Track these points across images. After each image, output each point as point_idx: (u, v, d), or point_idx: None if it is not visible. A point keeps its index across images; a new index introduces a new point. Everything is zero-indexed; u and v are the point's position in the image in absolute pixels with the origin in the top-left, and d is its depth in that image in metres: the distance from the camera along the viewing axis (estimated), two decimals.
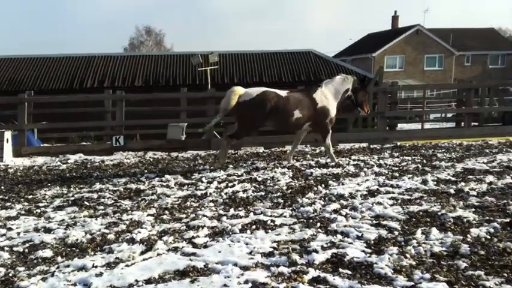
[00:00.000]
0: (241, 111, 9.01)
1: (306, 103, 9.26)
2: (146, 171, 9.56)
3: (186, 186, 7.96)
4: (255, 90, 9.16)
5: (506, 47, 55.26)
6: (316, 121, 9.41)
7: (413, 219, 5.51)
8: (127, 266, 4.51)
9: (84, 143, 14.45)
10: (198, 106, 15.18)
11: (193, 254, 4.73)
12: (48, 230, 5.83)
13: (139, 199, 7.25)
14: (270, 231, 5.38)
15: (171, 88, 23.08)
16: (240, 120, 9.21)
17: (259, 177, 8.35)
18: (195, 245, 5.00)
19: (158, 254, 4.77)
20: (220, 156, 9.67)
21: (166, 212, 6.44)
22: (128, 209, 6.69)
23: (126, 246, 5.04)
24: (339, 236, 5.06)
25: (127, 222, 5.98)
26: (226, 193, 7.26)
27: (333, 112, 9.52)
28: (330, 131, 9.64)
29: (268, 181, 8.02)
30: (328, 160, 9.64)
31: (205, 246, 4.97)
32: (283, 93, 9.30)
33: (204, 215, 6.11)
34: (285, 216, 5.92)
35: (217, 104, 13.61)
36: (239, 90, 9.08)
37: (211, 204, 6.72)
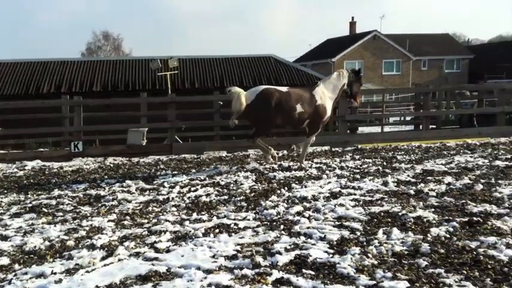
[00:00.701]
0: (251, 113, 9.21)
1: (306, 99, 9.42)
2: (106, 177, 9.38)
3: (148, 191, 7.86)
4: (255, 90, 9.40)
5: (461, 51, 56.91)
6: (313, 118, 9.58)
7: (375, 220, 5.59)
8: (87, 272, 4.41)
9: (42, 149, 14.08)
10: (158, 111, 15.00)
11: (156, 258, 4.68)
12: (4, 238, 5.64)
13: (100, 205, 7.10)
14: (233, 234, 5.36)
15: (130, 93, 22.85)
16: (253, 121, 9.45)
17: (222, 181, 8.31)
18: (157, 250, 4.94)
19: (119, 260, 4.70)
20: (264, 152, 9.81)
21: (128, 217, 6.33)
22: (88, 215, 6.55)
23: (86, 253, 4.94)
24: (302, 238, 5.08)
25: (87, 229, 5.85)
26: (189, 197, 7.20)
27: (328, 111, 9.74)
28: (318, 131, 9.91)
29: (232, 185, 7.99)
30: (299, 153, 9.95)
31: (168, 250, 4.92)
32: (283, 89, 9.54)
33: (166, 220, 6.04)
34: (248, 220, 5.91)
35: (178, 108, 13.55)
36: (242, 91, 9.25)
37: (174, 209, 6.65)
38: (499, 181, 7.29)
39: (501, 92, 15.24)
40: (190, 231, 5.49)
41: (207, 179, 8.61)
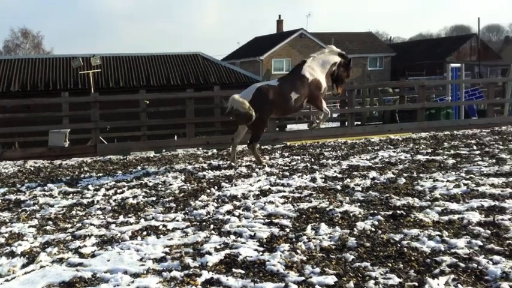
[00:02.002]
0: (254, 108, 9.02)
1: (298, 82, 9.45)
2: (27, 180, 8.94)
3: (71, 194, 7.55)
4: (249, 90, 9.30)
5: (383, 50, 59.02)
6: (311, 95, 9.60)
7: (304, 216, 5.64)
8: (7, 281, 4.19)
9: None
10: (81, 111, 14.49)
11: (80, 264, 4.50)
12: None
13: (20, 210, 6.75)
14: (162, 236, 5.25)
15: (51, 93, 21.96)
16: (251, 123, 9.22)
17: (150, 182, 8.13)
18: (81, 255, 4.76)
19: (41, 267, 4.48)
20: (257, 158, 9.47)
21: (50, 222, 6.06)
22: (7, 221, 6.21)
23: (5, 260, 4.69)
24: (232, 237, 5.05)
25: (6, 235, 5.54)
26: (115, 200, 6.99)
27: (323, 82, 9.71)
28: (324, 101, 9.86)
29: (160, 186, 7.83)
30: (319, 121, 10.12)
31: (93, 255, 4.75)
32: (274, 82, 9.59)
33: (91, 224, 5.83)
34: (177, 221, 5.81)
35: (102, 108, 13.16)
36: (236, 96, 9.02)
37: (99, 212, 6.42)
38: (421, 175, 7.57)
39: (421, 89, 15.90)
40: (116, 235, 5.33)
41: (134, 180, 8.40)
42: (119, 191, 7.59)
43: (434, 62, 53.15)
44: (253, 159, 9.64)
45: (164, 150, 11.94)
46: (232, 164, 9.51)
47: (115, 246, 4.97)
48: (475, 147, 9.88)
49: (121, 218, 6.03)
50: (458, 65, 20.08)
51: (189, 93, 13.90)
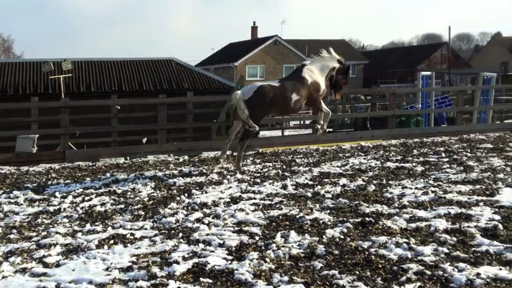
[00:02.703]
0: (252, 105, 9.17)
1: (298, 84, 9.62)
2: None
3: (38, 202, 7.39)
4: (251, 87, 9.45)
5: (356, 57, 59.64)
6: (309, 96, 9.77)
7: (274, 224, 5.63)
8: None
9: None
10: (50, 116, 14.23)
11: (44, 274, 4.42)
12: None
13: None
14: (129, 245, 5.17)
15: (20, 98, 21.51)
16: (253, 112, 9.24)
17: (118, 189, 8.02)
18: (46, 265, 4.67)
19: (4, 277, 4.38)
20: (238, 159, 9.49)
21: (14, 230, 5.91)
22: None
23: None
24: (201, 245, 5.01)
25: None
26: (82, 208, 6.86)
27: (322, 85, 9.93)
28: (322, 102, 10.09)
29: (129, 193, 7.73)
30: (321, 123, 10.27)
31: (58, 265, 4.66)
32: (276, 83, 9.70)
33: (57, 232, 5.71)
34: (145, 229, 5.73)
35: (72, 113, 12.95)
36: (238, 94, 9.30)
37: (66, 220, 6.30)
38: (390, 182, 7.64)
39: (392, 96, 16.07)
40: (82, 244, 5.23)
41: (103, 187, 8.27)
42: (86, 198, 7.46)
43: (405, 70, 53.87)
44: (228, 165, 9.61)
45: (138, 156, 11.80)
46: (220, 160, 9.79)
47: (81, 255, 4.88)
48: (443, 155, 10.03)
49: (88, 226, 5.93)
50: (428, 73, 20.40)
51: (161, 99, 13.81)
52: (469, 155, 9.94)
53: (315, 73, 9.91)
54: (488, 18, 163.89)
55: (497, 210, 5.78)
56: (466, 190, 6.81)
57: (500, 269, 4.06)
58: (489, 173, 7.87)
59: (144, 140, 12.97)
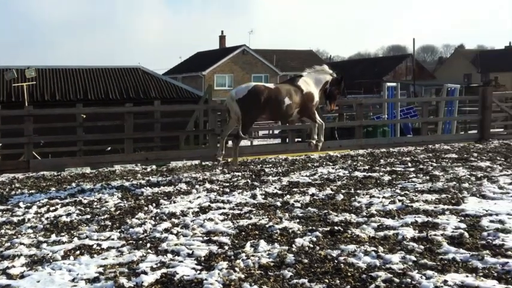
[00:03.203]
0: (242, 107, 9.38)
1: (293, 91, 9.81)
2: None
3: (1, 212, 7.18)
4: (245, 86, 9.64)
5: None
6: (303, 106, 9.97)
7: (243, 233, 5.61)
8: None
9: None
10: (13, 125, 13.90)
11: (8, 286, 4.31)
12: None
13: None
14: (96, 255, 5.08)
15: None
16: (245, 112, 9.45)
17: (85, 199, 7.87)
18: (10, 276, 4.54)
19: None
20: (234, 159, 9.96)
21: None
22: None
23: None
24: (170, 255, 4.95)
25: None
26: (47, 218, 6.70)
27: (316, 96, 10.17)
28: (316, 112, 10.33)
29: (95, 203, 7.59)
30: (315, 138, 10.46)
31: (22, 276, 4.54)
32: (271, 85, 9.99)
33: (21, 243, 5.56)
34: (112, 239, 5.64)
35: (36, 122, 12.67)
36: (232, 93, 9.59)
37: (30, 230, 6.14)
38: (358, 191, 7.71)
39: (359, 107, 16.26)
40: (47, 254, 5.12)
41: (68, 197, 8.10)
42: (51, 208, 7.29)
43: (372, 81, 54.72)
44: (196, 175, 9.55)
45: (104, 166, 11.62)
46: (218, 158, 10.08)
47: (46, 266, 4.78)
48: (409, 165, 10.19)
49: (53, 237, 5.80)
50: (394, 84, 20.74)
51: (128, 108, 13.64)
52: (434, 164, 10.13)
53: (310, 85, 10.16)
54: (452, 31, 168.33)
55: (462, 218, 5.90)
56: (432, 199, 6.92)
57: (467, 276, 4.13)
58: (454, 183, 8.03)
59: (108, 148, 12.72)
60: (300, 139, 19.76)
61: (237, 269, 4.45)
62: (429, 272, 4.21)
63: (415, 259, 4.54)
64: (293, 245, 5.05)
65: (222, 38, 57.49)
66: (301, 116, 10.41)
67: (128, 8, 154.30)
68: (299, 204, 6.90)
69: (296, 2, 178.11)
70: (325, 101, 10.78)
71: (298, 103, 9.93)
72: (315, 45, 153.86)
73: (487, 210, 6.16)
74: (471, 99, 23.82)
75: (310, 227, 5.72)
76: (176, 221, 6.30)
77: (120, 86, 25.65)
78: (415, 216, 5.98)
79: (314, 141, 10.54)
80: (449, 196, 7.04)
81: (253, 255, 4.79)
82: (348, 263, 4.48)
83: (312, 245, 5.03)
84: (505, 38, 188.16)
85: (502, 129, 19.08)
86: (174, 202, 7.43)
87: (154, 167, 11.45)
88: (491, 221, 5.69)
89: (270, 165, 11.04)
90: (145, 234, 5.79)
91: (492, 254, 4.62)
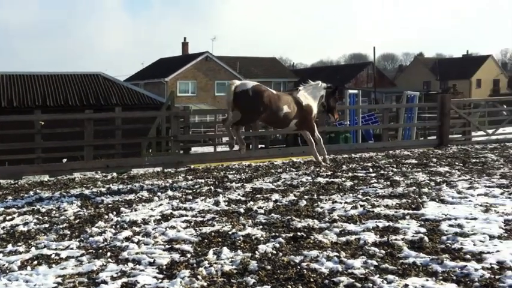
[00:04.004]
0: (242, 100, 9.29)
1: (292, 102, 9.91)
2: None
3: None
4: (250, 82, 9.67)
5: (286, 75, 60.76)
6: (302, 118, 10.09)
7: (206, 241, 5.56)
8: None
9: None
10: None
11: None
12: None
13: None
14: (54, 265, 4.95)
15: None
16: (242, 108, 9.40)
17: (43, 208, 7.67)
18: None
19: None
20: (240, 143, 9.80)
21: None
22: None
23: None
24: (130, 264, 4.87)
25: None
26: (3, 228, 6.51)
27: (315, 110, 10.34)
28: (315, 126, 10.50)
29: (54, 211, 7.42)
30: (318, 158, 10.54)
31: None
32: (273, 90, 9.99)
33: None
34: (71, 249, 5.51)
35: None
36: (235, 81, 9.58)
37: None
38: (321, 197, 7.76)
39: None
40: (4, 265, 4.97)
41: (26, 206, 7.89)
42: (8, 217, 7.08)
43: None
44: (159, 182, 9.42)
45: (68, 174, 11.36)
46: (242, 151, 9.99)
47: (2, 277, 4.65)
48: (371, 170, 10.32)
49: (9, 247, 5.64)
50: (355, 91, 21.04)
51: (87, 114, 13.39)
52: (395, 170, 10.29)
53: (308, 98, 10.30)
54: (411, 39, 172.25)
55: (422, 223, 6.00)
56: (393, 204, 7.02)
57: (427, 280, 4.19)
58: (414, 188, 8.17)
59: (64, 160, 12.33)
60: (263, 145, 19.79)
61: (199, 277, 4.40)
62: (390, 277, 4.26)
63: (376, 264, 4.58)
64: (256, 252, 5.03)
65: (184, 45, 57.21)
66: (299, 128, 10.52)
67: (88, 14, 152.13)
68: (262, 211, 6.89)
69: (259, 10, 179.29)
70: (327, 114, 11.18)
71: (297, 115, 10.00)
72: (278, 52, 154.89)
73: (446, 215, 6.28)
74: (430, 106, 24.33)
75: (273, 233, 5.71)
76: (137, 229, 6.20)
77: (80, 93, 25.20)
78: (376, 221, 6.05)
79: (321, 159, 10.66)
80: (410, 201, 7.15)
81: (216, 263, 4.75)
82: (310, 268, 4.49)
83: (275, 252, 5.03)
84: (463, 47, 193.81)
85: (460, 135, 19.55)
86: (136, 210, 7.32)
87: (115, 174, 11.27)
88: (450, 225, 5.80)
89: (234, 172, 11.01)
90: (106, 243, 5.68)
91: (451, 257, 4.70)
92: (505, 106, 24.22)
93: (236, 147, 9.93)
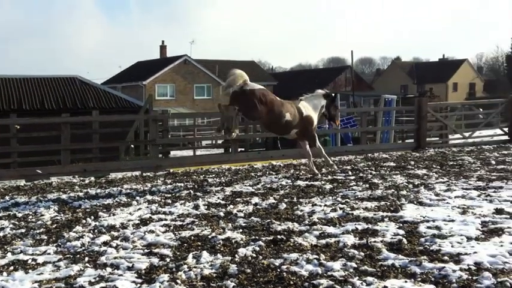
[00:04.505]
0: (247, 98, 9.06)
1: (294, 111, 9.96)
2: None
3: None
4: (257, 85, 9.55)
5: (266, 78, 60.86)
6: (303, 128, 10.17)
7: (185, 245, 5.52)
8: None
9: None
10: None
11: None
12: None
13: None
14: (31, 271, 4.87)
15: None
16: (246, 106, 9.12)
17: (19, 212, 7.55)
18: None
19: None
20: (233, 127, 9.18)
21: None
22: None
23: None
24: (109, 269, 4.81)
25: None
26: None
27: (315, 120, 10.45)
28: (316, 136, 10.54)
29: (30, 216, 7.30)
30: (323, 162, 10.59)
31: None
32: (277, 97, 9.98)
33: None
34: (49, 254, 5.42)
35: None
36: (244, 74, 9.27)
37: None
38: (300, 200, 7.77)
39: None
40: None
41: (1, 211, 7.75)
42: None
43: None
44: (137, 186, 9.33)
45: (45, 178, 11.19)
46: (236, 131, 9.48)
47: None
48: (350, 173, 10.38)
49: None
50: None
51: (64, 118, 13.23)
52: (374, 173, 10.37)
53: (309, 109, 10.36)
54: (389, 43, 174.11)
55: (401, 225, 6.04)
56: (372, 206, 7.06)
57: (406, 282, 4.22)
58: (393, 190, 8.23)
59: (39, 172, 12.11)
60: (243, 149, 19.79)
61: (178, 281, 4.37)
62: (369, 279, 4.28)
63: (355, 266, 4.60)
64: (236, 255, 5.01)
65: (163, 48, 56.98)
66: (299, 138, 10.52)
67: (64, 16, 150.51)
68: (242, 214, 6.88)
69: (238, 14, 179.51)
70: (329, 122, 11.41)
71: (298, 124, 10.05)
72: (257, 56, 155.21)
73: (424, 217, 6.33)
74: (408, 110, 24.63)
75: (253, 237, 5.70)
76: (116, 233, 6.13)
77: (56, 96, 24.90)
78: (355, 224, 6.08)
79: (327, 165, 10.73)
80: (388, 203, 7.21)
81: (195, 267, 4.72)
82: (290, 271, 4.48)
83: (255, 255, 5.02)
84: (439, 51, 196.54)
85: (437, 138, 19.81)
86: (114, 214, 7.24)
87: (92, 178, 11.15)
88: (428, 227, 5.85)
89: (213, 175, 10.98)
90: (83, 247, 5.60)
91: (429, 259, 4.74)
92: (481, 109, 24.61)
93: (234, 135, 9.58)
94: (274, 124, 9.91)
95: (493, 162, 11.59)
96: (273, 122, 9.78)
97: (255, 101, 9.11)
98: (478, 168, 10.63)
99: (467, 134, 17.86)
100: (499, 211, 6.53)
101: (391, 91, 41.68)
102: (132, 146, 16.18)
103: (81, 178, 11.24)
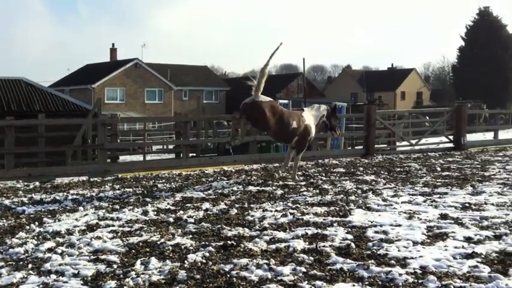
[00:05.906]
0: (258, 110, 9.44)
1: (298, 118, 10.28)
2: None
3: None
4: (267, 97, 9.80)
5: (219, 84, 60.83)
6: (301, 137, 10.33)
7: (133, 251, 5.42)
8: None
9: None
10: None
11: None
12: None
13: None
14: None
15: None
16: (256, 118, 9.59)
17: None
18: None
19: None
20: (241, 135, 9.89)
21: None
22: None
23: None
24: (53, 276, 4.66)
25: None
26: None
27: (313, 132, 10.68)
28: (305, 149, 10.81)
29: None
30: (295, 179, 10.35)
31: None
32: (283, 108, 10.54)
33: None
34: None
35: None
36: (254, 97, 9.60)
37: None
38: (252, 205, 7.77)
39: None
40: None
41: None
42: None
43: None
44: (84, 191, 9.11)
45: None
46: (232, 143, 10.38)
47: None
48: (301, 179, 10.47)
49: None
50: (286, 101, 21.41)
51: (8, 121, 12.80)
52: (324, 178, 10.50)
53: (310, 120, 10.58)
54: (340, 51, 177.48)
55: (349, 230, 6.13)
56: (321, 212, 7.14)
57: (354, 285, 4.28)
58: (342, 196, 8.36)
59: None
60: (194, 154, 19.65)
61: (126, 287, 4.27)
62: (318, 283, 4.31)
63: (305, 270, 4.62)
64: (185, 261, 4.95)
65: (113, 51, 55.97)
66: (294, 146, 10.57)
67: (9, 16, 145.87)
68: (192, 220, 6.81)
69: (190, 19, 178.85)
70: (330, 132, 11.73)
71: (300, 133, 10.24)
72: (210, 61, 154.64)
73: (372, 222, 6.45)
74: (357, 117, 25.13)
75: (203, 242, 5.65)
76: (61, 240, 5.95)
77: (0, 98, 24.04)
78: (305, 229, 6.12)
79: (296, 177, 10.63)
80: (338, 208, 7.30)
81: (143, 273, 4.63)
82: (240, 276, 4.47)
83: (204, 260, 4.97)
84: (388, 60, 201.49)
85: (385, 145, 20.26)
86: (59, 220, 7.03)
87: (37, 183, 10.79)
88: (376, 232, 5.96)
89: (164, 181, 10.84)
90: (27, 254, 5.41)
91: (377, 263, 4.83)
92: (427, 117, 25.37)
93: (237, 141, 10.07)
94: (282, 132, 10.19)
95: (439, 168, 11.95)
96: (282, 130, 10.05)
97: (265, 112, 9.47)
98: (424, 175, 10.94)
99: (414, 141, 18.34)
100: (443, 216, 6.73)
101: (341, 98, 42.41)
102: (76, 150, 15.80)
103: (26, 183, 10.85)
